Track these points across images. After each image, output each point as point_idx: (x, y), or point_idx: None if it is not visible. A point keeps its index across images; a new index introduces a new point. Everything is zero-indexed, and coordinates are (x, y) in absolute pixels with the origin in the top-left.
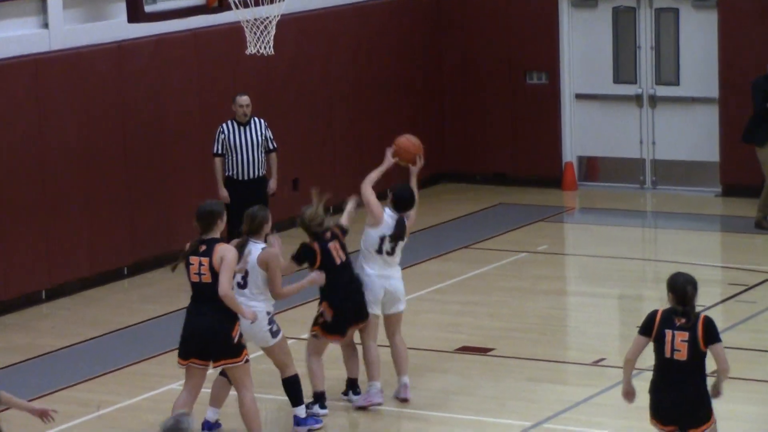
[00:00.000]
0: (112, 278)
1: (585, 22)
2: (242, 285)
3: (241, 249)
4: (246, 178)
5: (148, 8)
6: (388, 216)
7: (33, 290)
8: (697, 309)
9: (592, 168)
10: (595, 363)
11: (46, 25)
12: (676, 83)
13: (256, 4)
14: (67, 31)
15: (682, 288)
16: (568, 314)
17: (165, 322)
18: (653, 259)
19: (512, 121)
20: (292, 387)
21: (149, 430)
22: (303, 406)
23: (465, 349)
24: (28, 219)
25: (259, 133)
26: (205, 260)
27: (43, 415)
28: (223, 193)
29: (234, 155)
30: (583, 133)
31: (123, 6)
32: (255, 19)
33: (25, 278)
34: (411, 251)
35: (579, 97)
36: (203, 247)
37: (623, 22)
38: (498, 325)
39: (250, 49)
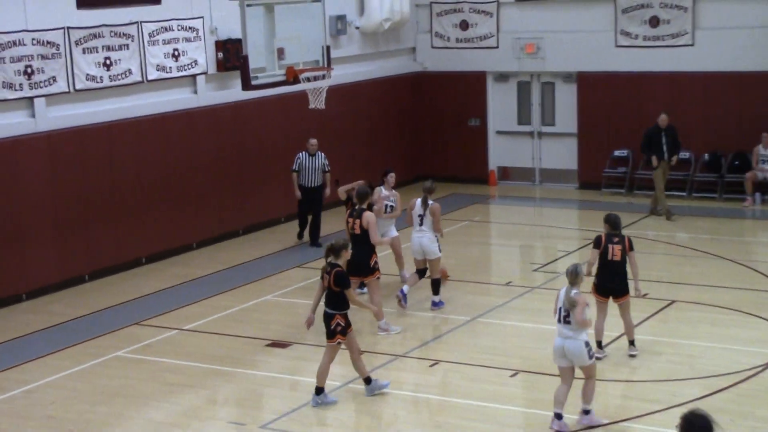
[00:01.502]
0: (231, 236)
1: (502, 89)
2: (420, 223)
3: (425, 202)
4: (310, 186)
5: (254, 82)
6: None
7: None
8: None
9: (506, 173)
10: (506, 284)
11: (195, 92)
12: (554, 124)
13: (315, 80)
14: (207, 96)
15: (614, 220)
16: (491, 256)
17: (260, 263)
18: (540, 224)
19: (462, 146)
20: (435, 284)
21: (253, 326)
22: (439, 296)
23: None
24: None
25: (319, 161)
26: (357, 221)
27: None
28: (298, 193)
29: (305, 172)
30: (500, 153)
31: (239, 80)
32: (314, 88)
33: (130, 248)
34: (403, 222)
35: (498, 132)
36: (355, 214)
37: (523, 89)
38: (452, 262)
39: (311, 106)
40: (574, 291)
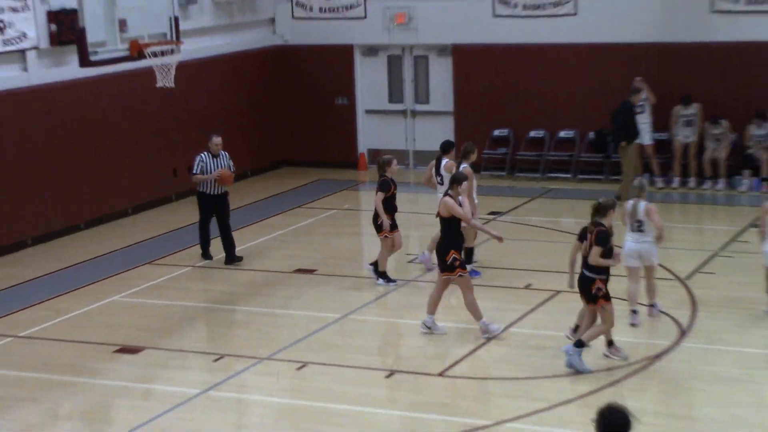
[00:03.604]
0: (73, 230)
1: (371, 64)
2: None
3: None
4: (214, 194)
5: (93, 58)
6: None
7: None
8: None
9: (376, 156)
10: (378, 277)
11: (25, 69)
12: (428, 102)
13: (162, 55)
14: (39, 74)
15: (594, 206)
16: (362, 248)
17: (108, 258)
18: (414, 212)
19: (327, 127)
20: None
21: (99, 330)
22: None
23: (299, 271)
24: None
25: (224, 162)
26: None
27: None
28: (214, 175)
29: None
30: (370, 134)
31: (76, 56)
32: (161, 65)
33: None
34: (263, 211)
35: (368, 111)
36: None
37: (394, 64)
38: (319, 255)
39: (159, 84)
40: (643, 203)
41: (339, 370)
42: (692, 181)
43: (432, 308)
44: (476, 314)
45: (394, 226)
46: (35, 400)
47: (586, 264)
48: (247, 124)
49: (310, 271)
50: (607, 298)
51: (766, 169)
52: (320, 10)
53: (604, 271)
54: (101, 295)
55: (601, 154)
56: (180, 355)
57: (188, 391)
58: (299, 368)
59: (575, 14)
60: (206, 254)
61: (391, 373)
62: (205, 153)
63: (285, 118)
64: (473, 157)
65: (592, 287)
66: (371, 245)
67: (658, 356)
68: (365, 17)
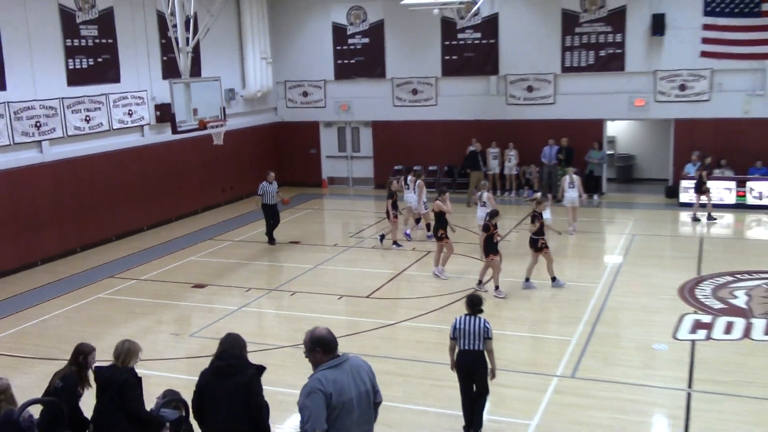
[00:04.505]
0: (167, 222)
1: (328, 131)
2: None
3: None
4: (270, 203)
5: (179, 129)
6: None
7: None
8: None
9: (332, 180)
10: (334, 245)
11: (143, 136)
12: (359, 151)
13: (216, 127)
14: (150, 138)
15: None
16: (325, 229)
17: (187, 236)
18: (352, 210)
19: (307, 165)
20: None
21: (183, 276)
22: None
23: (291, 242)
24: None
25: (275, 187)
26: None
27: None
28: (277, 199)
29: (267, 195)
30: (329, 168)
31: (170, 128)
32: (216, 132)
33: (106, 230)
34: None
35: (327, 156)
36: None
37: (341, 131)
38: (301, 233)
39: (215, 143)
40: (486, 193)
41: (313, 295)
42: (499, 192)
43: (438, 262)
44: (436, 262)
45: (396, 216)
46: (148, 314)
47: (535, 231)
48: (262, 164)
49: (297, 242)
50: (547, 247)
51: (536, 185)
52: (301, 102)
53: (542, 233)
54: (183, 257)
55: (450, 178)
56: (227, 288)
57: (231, 308)
58: (291, 295)
59: (437, 105)
60: (271, 240)
61: (341, 296)
62: (265, 182)
63: (282, 160)
64: (422, 176)
65: (539, 242)
66: (330, 228)
67: (483, 283)
68: (325, 106)
